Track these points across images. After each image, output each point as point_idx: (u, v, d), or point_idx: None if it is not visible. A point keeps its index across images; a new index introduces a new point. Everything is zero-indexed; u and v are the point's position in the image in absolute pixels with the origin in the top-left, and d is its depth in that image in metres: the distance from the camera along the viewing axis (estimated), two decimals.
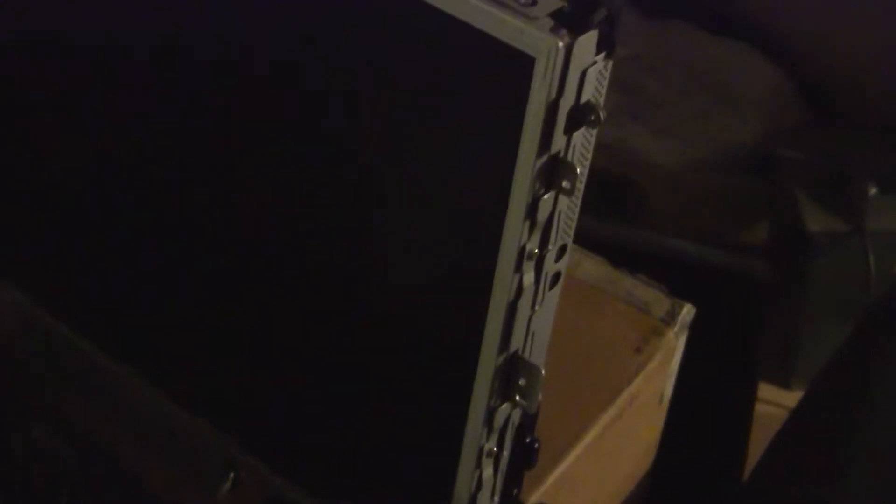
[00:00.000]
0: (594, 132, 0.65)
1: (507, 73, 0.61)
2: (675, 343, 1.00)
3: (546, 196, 0.64)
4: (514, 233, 0.65)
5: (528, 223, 0.65)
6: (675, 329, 0.99)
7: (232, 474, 0.86)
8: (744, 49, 1.92)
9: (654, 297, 1.02)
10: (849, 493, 0.90)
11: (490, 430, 0.72)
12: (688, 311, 1.01)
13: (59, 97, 0.84)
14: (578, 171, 0.64)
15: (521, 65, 0.61)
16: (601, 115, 0.63)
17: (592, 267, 1.04)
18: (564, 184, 0.64)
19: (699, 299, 1.09)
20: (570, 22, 0.61)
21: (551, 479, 0.89)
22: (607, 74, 0.64)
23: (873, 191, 1.53)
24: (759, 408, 1.44)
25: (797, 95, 1.83)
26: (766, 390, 1.47)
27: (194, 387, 0.87)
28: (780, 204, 1.70)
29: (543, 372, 0.70)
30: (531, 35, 0.60)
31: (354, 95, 0.68)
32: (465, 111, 0.64)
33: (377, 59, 0.66)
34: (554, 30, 0.60)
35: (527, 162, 0.63)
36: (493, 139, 0.63)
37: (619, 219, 1.58)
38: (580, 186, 0.67)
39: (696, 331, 1.07)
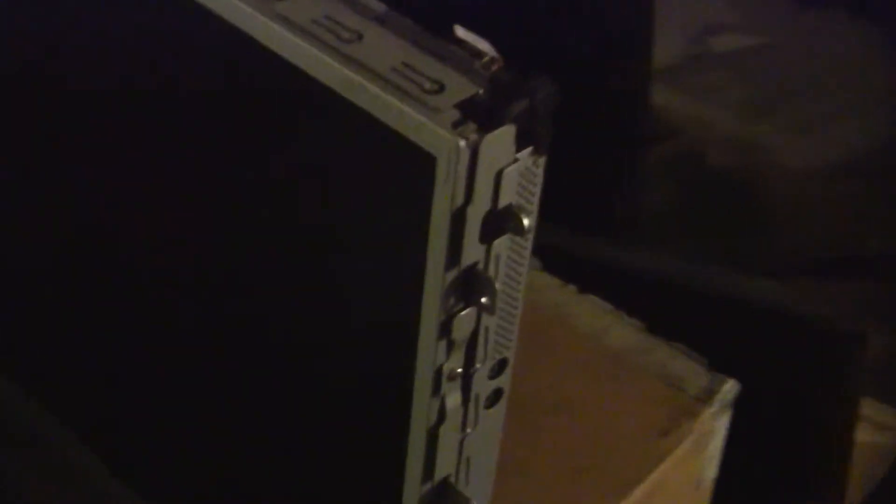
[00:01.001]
0: (526, 239, 0.54)
1: (409, 173, 0.52)
2: (713, 425, 0.88)
3: (464, 313, 0.54)
4: (429, 353, 0.55)
5: (444, 342, 0.54)
6: (713, 409, 0.88)
7: None
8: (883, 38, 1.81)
9: (691, 372, 0.90)
10: None
11: None
12: (729, 389, 0.89)
13: None
14: (499, 285, 0.53)
15: (423, 164, 0.51)
16: (526, 221, 0.52)
17: (624, 333, 0.93)
18: (483, 300, 0.53)
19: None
20: (481, 114, 0.50)
21: None
22: (539, 173, 0.53)
23: None
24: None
25: None
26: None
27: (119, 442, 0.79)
28: None
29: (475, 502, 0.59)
30: (429, 131, 0.50)
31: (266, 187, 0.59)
32: (369, 215, 0.55)
33: (285, 151, 0.57)
34: (458, 124, 0.50)
35: (435, 275, 0.53)
36: (398, 248, 0.54)
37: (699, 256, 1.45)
38: (513, 296, 0.56)
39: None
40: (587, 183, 1.50)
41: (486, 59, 0.52)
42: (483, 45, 0.52)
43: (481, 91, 0.52)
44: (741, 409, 0.94)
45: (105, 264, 0.74)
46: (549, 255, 0.99)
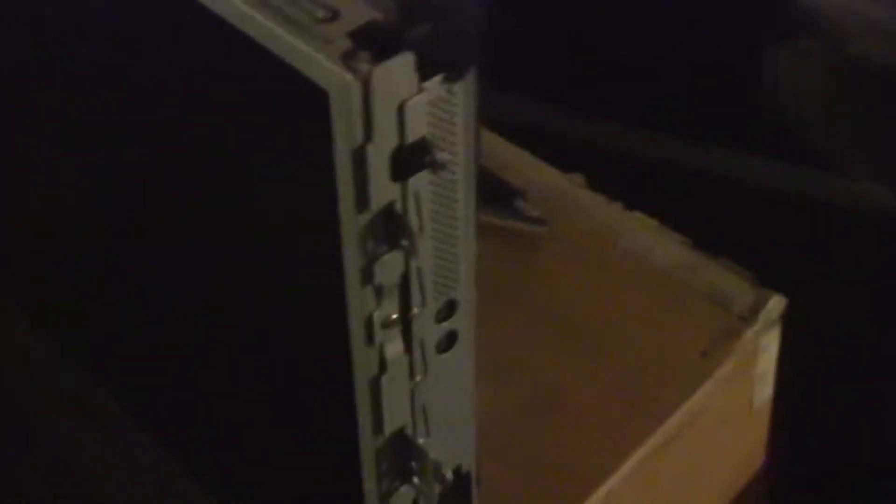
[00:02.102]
0: (452, 173, 0.50)
1: (307, 111, 0.47)
2: (757, 344, 0.83)
3: (387, 256, 0.50)
4: (356, 301, 0.51)
5: (370, 289, 0.51)
6: (756, 327, 0.83)
7: None
8: None
9: (738, 288, 0.85)
10: None
11: None
12: (775, 305, 0.84)
13: None
14: (415, 226, 0.49)
15: (318, 100, 0.47)
16: (440, 156, 0.48)
17: (669, 251, 0.88)
18: (404, 242, 0.49)
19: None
20: (376, 43, 0.46)
21: None
22: (457, 101, 0.49)
23: None
24: None
25: None
26: None
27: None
28: None
29: (433, 456, 0.57)
30: (318, 64, 0.46)
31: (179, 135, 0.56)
32: (280, 158, 0.51)
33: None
34: (349, 55, 0.46)
35: (348, 218, 0.49)
36: (311, 193, 0.50)
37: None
38: (450, 234, 0.52)
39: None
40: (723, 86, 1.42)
41: None
42: None
43: (380, 17, 0.47)
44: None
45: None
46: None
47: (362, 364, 0.54)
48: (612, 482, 0.78)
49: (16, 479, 0.80)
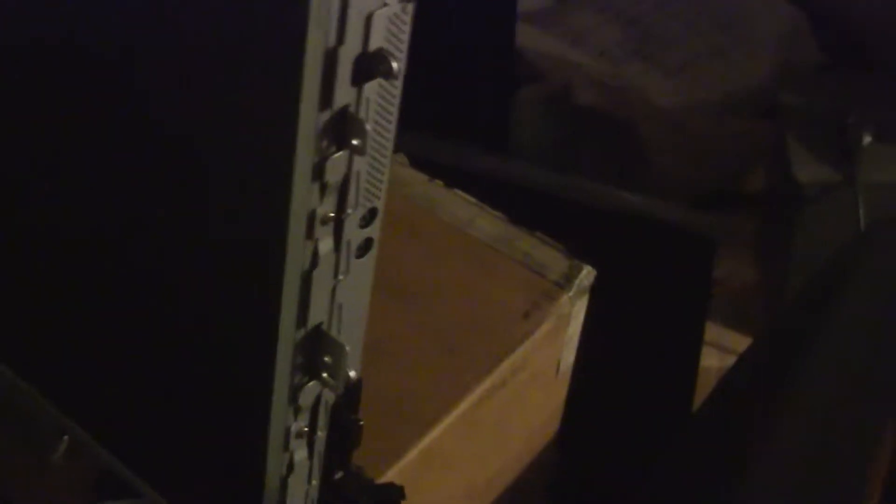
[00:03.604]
0: (395, 85, 0.57)
1: (281, 14, 0.53)
2: (570, 308, 0.92)
3: (336, 155, 0.56)
4: (302, 194, 0.57)
5: (317, 185, 0.57)
6: (571, 293, 0.92)
7: (66, 437, 0.79)
8: None
9: (552, 259, 0.94)
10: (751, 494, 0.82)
11: (297, 410, 0.65)
12: (586, 275, 0.93)
13: None
14: (370, 127, 0.56)
15: (295, 4, 0.53)
16: (395, 66, 0.55)
17: (488, 224, 0.96)
18: (355, 142, 0.56)
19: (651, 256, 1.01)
20: None
21: (413, 453, 0.83)
22: (407, 20, 0.56)
23: (868, 139, 1.45)
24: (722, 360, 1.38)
25: (811, 36, 1.74)
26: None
27: (28, 354, 0.80)
28: (776, 151, 1.63)
29: (349, 348, 0.63)
30: None
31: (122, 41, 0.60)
32: (242, 57, 0.56)
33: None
34: None
35: (308, 116, 0.55)
36: (271, 89, 0.55)
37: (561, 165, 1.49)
38: (384, 144, 0.59)
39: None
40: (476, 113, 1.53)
41: None
42: None
43: None
44: (599, 304, 0.98)
45: None
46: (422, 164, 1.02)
47: (296, 257, 0.60)
48: (441, 427, 0.85)
49: None
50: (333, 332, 0.63)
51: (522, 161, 1.53)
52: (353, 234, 0.61)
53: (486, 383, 0.88)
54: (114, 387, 0.74)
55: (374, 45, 0.55)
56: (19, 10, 0.65)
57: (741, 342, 1.40)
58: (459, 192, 0.99)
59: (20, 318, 0.79)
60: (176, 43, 0.58)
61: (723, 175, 1.70)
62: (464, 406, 0.86)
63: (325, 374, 0.64)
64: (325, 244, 0.60)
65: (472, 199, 0.98)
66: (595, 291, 0.96)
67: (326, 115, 0.56)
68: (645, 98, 1.68)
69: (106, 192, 0.67)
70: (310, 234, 0.59)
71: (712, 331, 1.46)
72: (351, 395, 0.67)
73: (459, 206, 0.99)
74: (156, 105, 0.61)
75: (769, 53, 1.74)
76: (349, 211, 0.60)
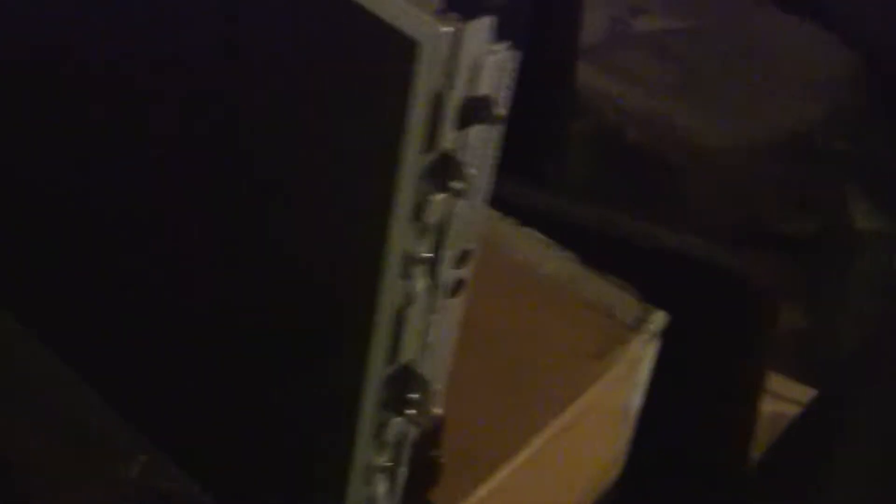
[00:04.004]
0: (496, 129, 0.58)
1: (391, 58, 0.55)
2: (642, 352, 0.92)
3: (437, 197, 0.57)
4: (400, 235, 0.58)
5: (415, 226, 0.58)
6: (643, 337, 0.92)
7: (142, 457, 0.81)
8: (809, 26, 1.84)
9: (623, 302, 0.94)
10: None
11: (381, 445, 0.65)
12: (659, 319, 0.93)
13: None
14: (472, 171, 0.57)
15: (405, 50, 0.54)
16: (499, 111, 0.56)
17: (560, 264, 0.97)
18: (455, 185, 0.57)
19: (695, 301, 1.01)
20: (464, 6, 0.54)
21: (482, 491, 0.83)
22: (512, 67, 0.57)
23: None
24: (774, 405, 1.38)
25: (864, 81, 1.74)
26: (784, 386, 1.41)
27: (109, 373, 0.81)
28: (828, 196, 1.63)
29: (437, 387, 0.63)
30: (415, 17, 0.54)
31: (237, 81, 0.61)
32: (349, 99, 0.58)
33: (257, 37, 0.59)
34: (442, 12, 0.53)
35: (411, 158, 0.56)
36: (377, 130, 0.57)
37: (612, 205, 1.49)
38: (482, 187, 0.60)
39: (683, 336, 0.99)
40: (521, 148, 1.54)
41: None
42: None
43: None
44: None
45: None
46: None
47: (391, 295, 0.61)
48: (509, 466, 0.86)
49: None
50: (421, 370, 0.64)
51: (570, 197, 1.54)
52: (447, 274, 0.62)
53: (555, 424, 0.88)
54: (197, 412, 0.75)
55: (480, 90, 0.56)
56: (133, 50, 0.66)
57: (787, 387, 1.40)
58: (531, 231, 0.99)
59: (106, 339, 0.80)
60: (285, 81, 0.59)
61: (763, 217, 1.70)
62: (532, 446, 0.87)
63: (410, 411, 0.64)
64: (420, 284, 0.61)
65: (543, 238, 0.99)
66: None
67: (429, 158, 0.56)
68: (691, 138, 1.68)
69: (205, 226, 0.68)
70: (405, 273, 0.60)
71: None
72: (434, 432, 0.67)
73: (530, 245, 0.99)
74: (262, 138, 0.62)
75: (820, 97, 1.74)
76: (445, 252, 0.60)
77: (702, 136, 1.72)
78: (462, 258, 0.62)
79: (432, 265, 0.61)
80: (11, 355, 0.84)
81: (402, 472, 0.68)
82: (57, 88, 0.73)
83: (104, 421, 0.81)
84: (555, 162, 1.59)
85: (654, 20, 1.96)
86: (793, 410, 1.38)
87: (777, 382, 1.45)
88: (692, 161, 1.68)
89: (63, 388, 0.83)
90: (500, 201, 1.02)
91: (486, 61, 0.55)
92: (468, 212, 0.60)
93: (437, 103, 0.55)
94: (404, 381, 0.64)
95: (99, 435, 0.81)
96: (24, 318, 0.84)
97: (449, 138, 0.56)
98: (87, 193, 0.75)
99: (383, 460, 0.67)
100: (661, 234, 1.37)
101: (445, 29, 0.53)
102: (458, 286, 0.63)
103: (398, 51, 0.54)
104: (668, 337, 0.96)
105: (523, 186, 1.39)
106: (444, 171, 0.57)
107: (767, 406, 1.40)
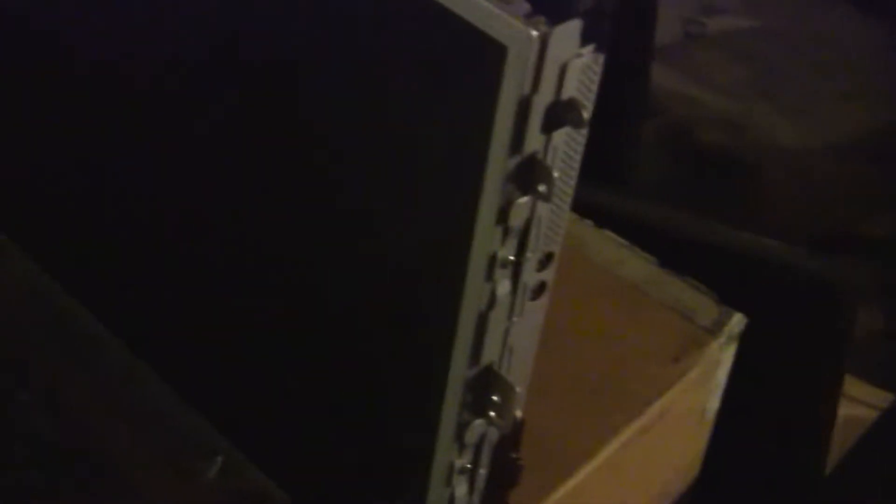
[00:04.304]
0: (581, 133, 0.58)
1: (478, 62, 0.55)
2: (720, 355, 0.92)
3: (521, 200, 0.57)
4: (485, 238, 0.58)
5: (500, 228, 0.58)
6: (721, 340, 0.92)
7: (220, 458, 0.81)
8: (884, 24, 1.82)
9: (702, 304, 0.94)
10: None
11: (462, 446, 0.66)
12: (737, 322, 0.93)
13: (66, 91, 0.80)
14: (557, 174, 0.57)
15: (492, 53, 0.54)
16: (584, 114, 0.56)
17: (638, 266, 0.96)
18: (541, 188, 0.57)
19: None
20: (551, 10, 0.54)
21: (560, 492, 0.83)
22: (598, 70, 0.57)
23: None
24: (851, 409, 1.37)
25: None
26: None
27: (189, 372, 0.82)
28: None
29: (519, 389, 0.64)
30: (503, 21, 0.54)
31: (321, 83, 0.62)
32: (434, 101, 0.58)
33: (341, 40, 0.60)
34: (529, 17, 0.53)
35: (497, 161, 0.56)
36: (462, 133, 0.57)
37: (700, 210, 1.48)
38: (566, 191, 0.60)
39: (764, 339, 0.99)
40: (595, 149, 1.53)
41: None
42: None
43: None
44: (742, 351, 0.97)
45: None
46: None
47: (474, 298, 0.61)
48: (587, 468, 0.86)
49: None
50: (504, 372, 0.64)
51: (647, 199, 1.53)
52: (530, 277, 0.62)
53: (633, 426, 0.88)
54: (278, 413, 0.76)
55: (566, 94, 0.56)
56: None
57: (864, 391, 1.38)
58: (609, 233, 0.99)
59: (190, 339, 0.81)
60: (374, 84, 0.59)
61: (842, 219, 1.68)
62: (610, 448, 0.87)
63: (491, 413, 0.65)
64: (503, 286, 0.61)
65: (623, 241, 0.99)
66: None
67: (515, 161, 0.57)
68: (768, 138, 1.67)
69: (294, 230, 0.68)
70: (489, 275, 0.60)
71: None
72: (514, 434, 0.68)
73: (609, 247, 0.99)
74: (350, 141, 0.62)
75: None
76: (528, 255, 0.60)
77: (778, 137, 1.71)
78: (545, 261, 0.62)
79: (515, 268, 0.61)
80: (98, 356, 0.85)
81: (482, 473, 0.68)
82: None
83: (186, 420, 0.82)
84: (629, 163, 1.59)
85: (728, 20, 1.95)
86: (870, 415, 1.37)
87: (854, 386, 1.44)
88: (768, 161, 1.67)
89: (146, 387, 0.83)
90: (576, 202, 1.03)
91: (573, 65, 0.55)
92: (552, 215, 0.60)
93: (524, 107, 0.55)
94: (486, 383, 0.64)
95: (182, 434, 0.82)
96: (105, 318, 0.85)
97: (535, 141, 0.56)
98: (178, 204, 0.75)
99: (463, 461, 0.67)
100: (738, 235, 1.37)
101: (534, 33, 0.53)
102: (541, 289, 0.63)
103: (487, 55, 0.55)
104: (746, 340, 0.96)
105: (599, 188, 1.39)
106: (529, 174, 0.58)
107: (843, 410, 1.39)
